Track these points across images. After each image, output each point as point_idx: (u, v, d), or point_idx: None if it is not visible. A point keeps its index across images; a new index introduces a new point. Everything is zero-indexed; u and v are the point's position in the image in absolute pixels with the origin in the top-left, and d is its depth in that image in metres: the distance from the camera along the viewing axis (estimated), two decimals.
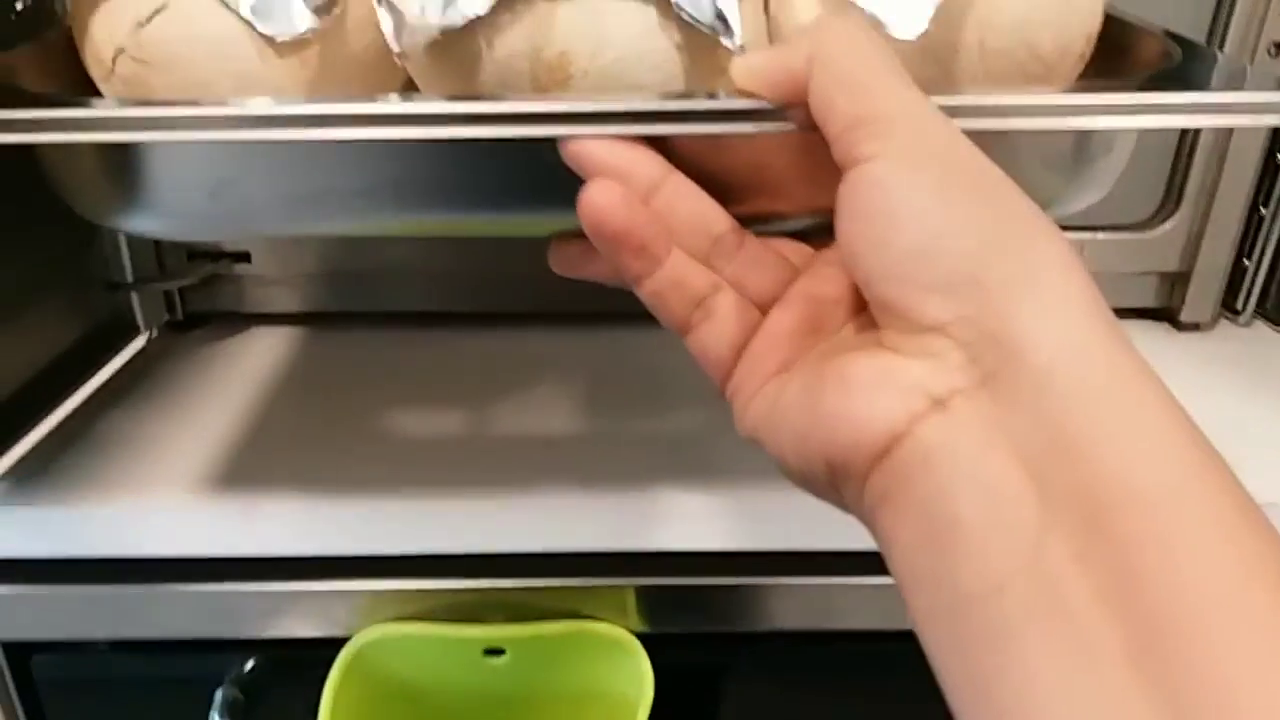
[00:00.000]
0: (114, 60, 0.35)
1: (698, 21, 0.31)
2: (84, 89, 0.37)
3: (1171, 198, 0.59)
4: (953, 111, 0.27)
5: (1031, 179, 0.32)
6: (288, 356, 0.59)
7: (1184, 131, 0.57)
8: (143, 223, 0.33)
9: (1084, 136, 0.32)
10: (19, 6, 0.36)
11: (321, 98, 0.30)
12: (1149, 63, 0.35)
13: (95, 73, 0.37)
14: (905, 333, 0.23)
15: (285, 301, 0.60)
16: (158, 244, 0.57)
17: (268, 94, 0.35)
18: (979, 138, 0.25)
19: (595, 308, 0.59)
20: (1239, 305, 0.62)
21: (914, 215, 0.23)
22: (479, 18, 0.30)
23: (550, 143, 0.28)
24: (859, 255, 0.24)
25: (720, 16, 0.32)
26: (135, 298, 0.58)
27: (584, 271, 0.31)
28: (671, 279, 0.28)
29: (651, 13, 0.31)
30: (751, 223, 0.30)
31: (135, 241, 0.56)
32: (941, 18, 0.30)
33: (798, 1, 0.33)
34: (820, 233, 0.29)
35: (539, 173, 0.29)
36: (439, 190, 0.32)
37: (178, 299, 0.61)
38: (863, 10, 0.31)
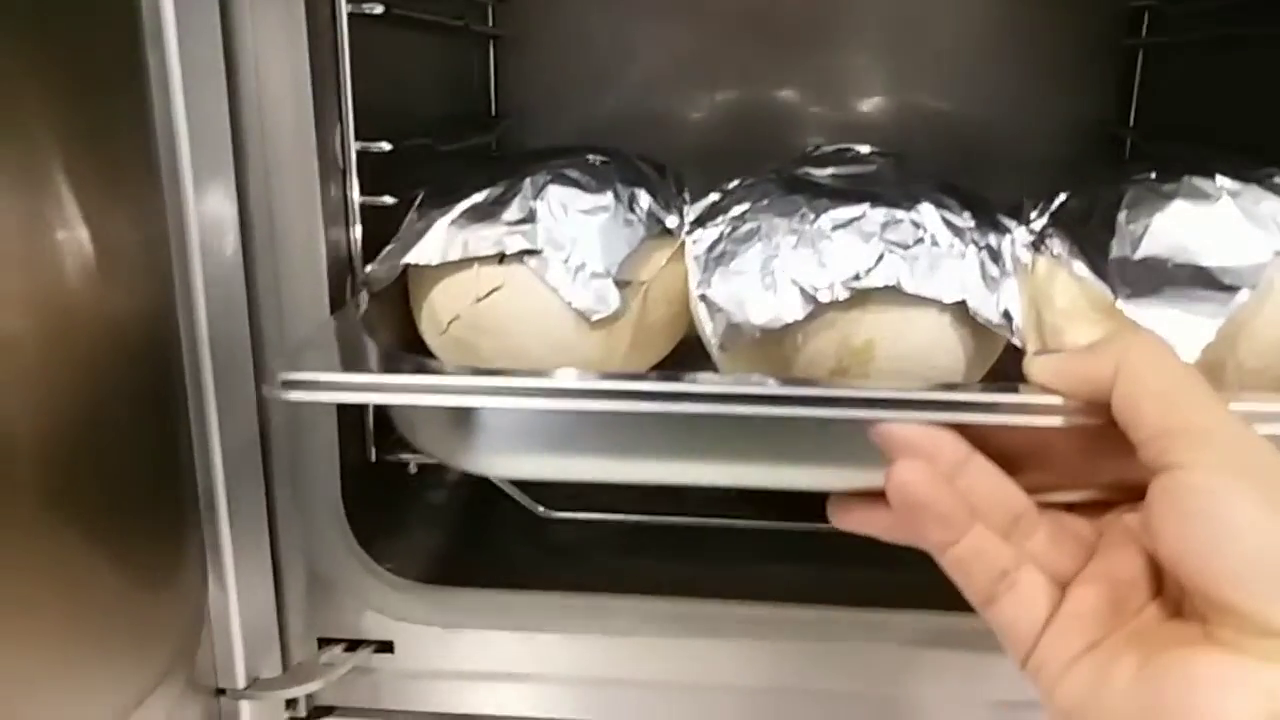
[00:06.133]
0: (449, 324, 0.41)
1: (988, 321, 0.34)
2: (409, 334, 0.43)
3: None
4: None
5: None
6: None
7: None
8: (475, 462, 0.36)
9: None
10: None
11: (653, 373, 0.34)
12: None
13: (427, 329, 0.43)
14: (1248, 634, 0.24)
15: (429, 699, 0.49)
16: (283, 633, 0.48)
17: (577, 359, 0.40)
18: None
19: None
20: None
21: (1248, 525, 0.24)
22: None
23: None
24: (1187, 557, 0.26)
25: (1006, 315, 0.35)
26: (246, 705, 0.45)
27: (861, 527, 0.33)
28: (974, 549, 0.30)
29: (947, 313, 0.35)
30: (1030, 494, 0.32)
31: (251, 636, 0.45)
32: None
33: (1072, 320, 0.36)
34: (1095, 505, 0.31)
35: (833, 440, 0.32)
36: (740, 448, 0.34)
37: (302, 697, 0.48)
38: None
